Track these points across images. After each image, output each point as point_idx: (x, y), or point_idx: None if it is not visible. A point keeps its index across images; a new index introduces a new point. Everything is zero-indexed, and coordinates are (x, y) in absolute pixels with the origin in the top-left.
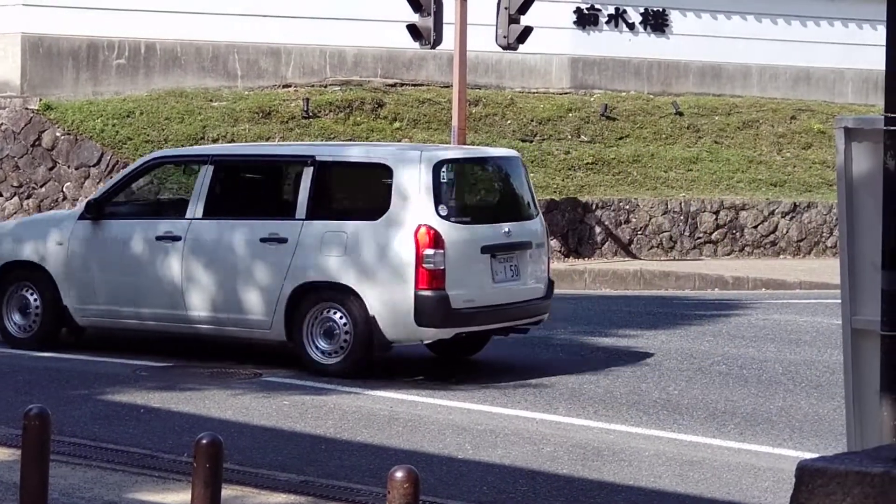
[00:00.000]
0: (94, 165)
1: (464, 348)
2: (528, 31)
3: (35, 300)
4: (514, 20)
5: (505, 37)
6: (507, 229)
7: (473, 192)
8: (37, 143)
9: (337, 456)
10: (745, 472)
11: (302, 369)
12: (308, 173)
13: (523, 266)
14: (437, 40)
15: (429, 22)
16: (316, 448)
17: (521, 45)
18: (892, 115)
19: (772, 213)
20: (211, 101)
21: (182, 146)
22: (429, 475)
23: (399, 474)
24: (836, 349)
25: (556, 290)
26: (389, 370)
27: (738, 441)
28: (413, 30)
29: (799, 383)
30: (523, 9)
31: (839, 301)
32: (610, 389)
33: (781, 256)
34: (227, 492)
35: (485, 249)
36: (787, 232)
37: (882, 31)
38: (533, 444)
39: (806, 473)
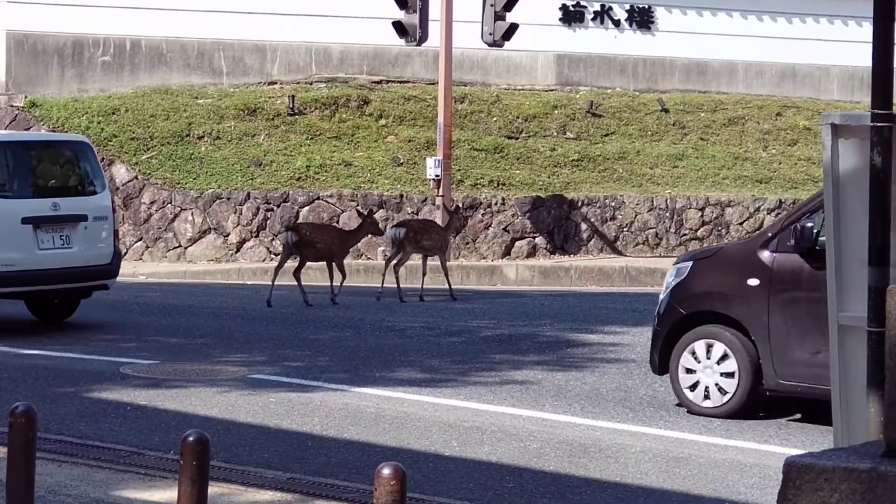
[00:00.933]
0: None
1: (57, 312)
2: (513, 27)
3: None
4: (499, 17)
5: (491, 34)
6: (54, 203)
7: (23, 171)
8: None
9: (323, 453)
10: (732, 468)
11: (288, 367)
12: None
13: (76, 236)
14: (423, 37)
15: (414, 19)
16: (302, 445)
17: (506, 42)
18: (879, 112)
19: (757, 209)
20: (196, 98)
21: (168, 143)
22: (415, 472)
23: (386, 471)
24: None
25: (543, 287)
26: (376, 368)
27: (724, 438)
28: (399, 27)
29: None
30: (509, 6)
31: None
32: (596, 386)
33: None
34: (213, 489)
35: (26, 220)
36: None
37: (868, 27)
38: (520, 440)
39: (794, 470)
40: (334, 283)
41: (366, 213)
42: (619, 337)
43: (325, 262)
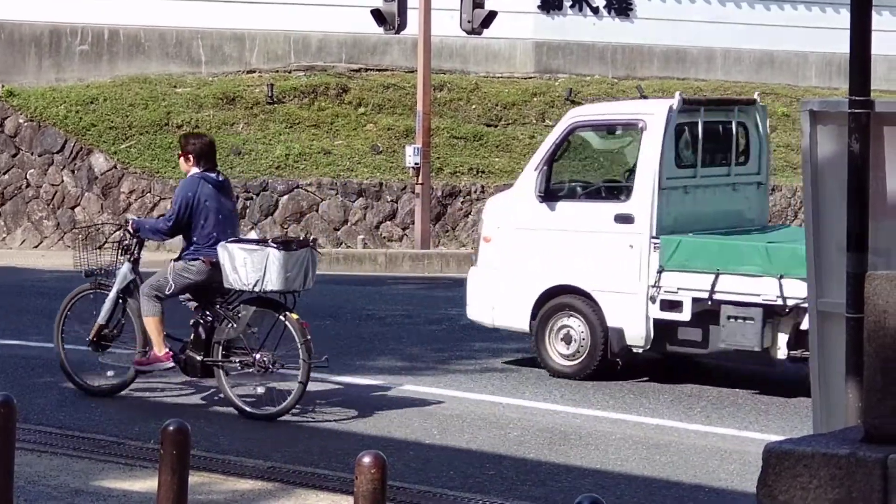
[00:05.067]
0: (57, 152)
1: None
2: (492, 15)
3: None
4: (478, 4)
5: (469, 21)
6: None
7: None
8: None
9: (304, 442)
10: (712, 454)
11: None
12: None
13: None
14: (402, 25)
15: (393, 7)
16: (283, 434)
17: (485, 30)
18: (857, 98)
19: None
20: (175, 87)
21: (146, 132)
22: (396, 460)
23: (366, 459)
24: None
25: None
26: (357, 356)
27: (704, 424)
28: (377, 15)
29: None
30: None
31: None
32: None
33: None
34: (193, 478)
35: None
36: None
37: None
38: (500, 428)
39: (773, 456)
40: None
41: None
42: None
43: None
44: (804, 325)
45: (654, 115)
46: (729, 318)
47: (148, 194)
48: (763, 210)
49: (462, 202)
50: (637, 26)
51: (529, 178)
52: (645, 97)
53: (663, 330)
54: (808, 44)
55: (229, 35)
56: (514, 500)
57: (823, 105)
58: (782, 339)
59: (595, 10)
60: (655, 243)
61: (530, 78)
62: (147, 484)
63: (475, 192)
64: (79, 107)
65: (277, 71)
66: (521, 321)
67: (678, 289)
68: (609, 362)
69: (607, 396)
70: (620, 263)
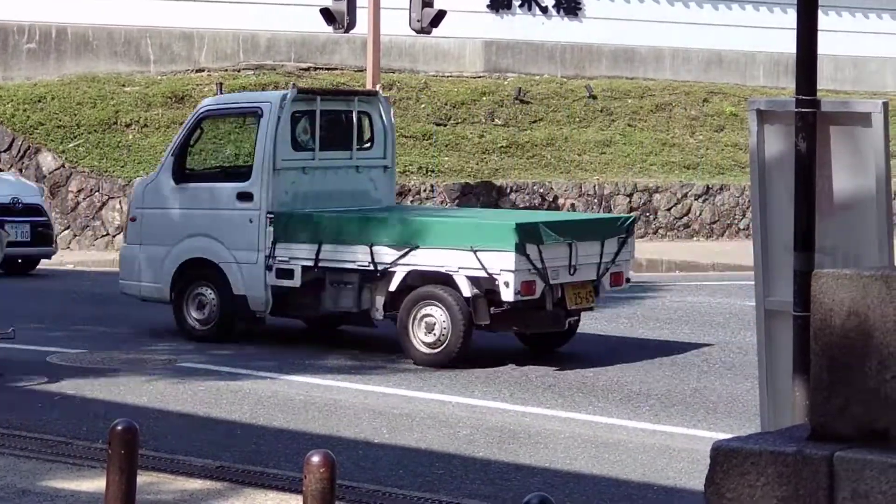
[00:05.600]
0: (5, 151)
1: None
2: (441, 14)
3: None
4: (427, 4)
5: (419, 20)
6: None
7: None
8: None
9: (253, 441)
10: (661, 453)
11: (217, 355)
12: None
13: None
14: (351, 24)
15: (342, 6)
16: (232, 433)
17: (434, 29)
18: (804, 98)
19: (685, 195)
20: (123, 86)
21: (95, 131)
22: (345, 459)
23: (315, 458)
24: (749, 331)
25: None
26: (305, 356)
27: (652, 423)
28: (327, 14)
29: (713, 365)
30: None
31: (752, 282)
32: (525, 373)
33: (695, 239)
34: (142, 478)
35: None
36: (700, 214)
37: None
38: (449, 427)
39: (721, 454)
40: None
41: None
42: None
43: None
44: (393, 288)
45: (269, 103)
46: (332, 283)
47: (97, 193)
48: (389, 191)
49: (412, 201)
50: (586, 26)
51: (167, 163)
52: (594, 97)
53: (280, 296)
54: (756, 44)
55: (178, 34)
56: (464, 499)
57: (770, 104)
58: (379, 301)
59: (544, 10)
60: (270, 218)
61: (480, 77)
62: (95, 484)
63: (425, 190)
64: (26, 105)
65: (226, 70)
66: (162, 293)
67: (290, 258)
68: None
69: (556, 395)
70: (243, 237)
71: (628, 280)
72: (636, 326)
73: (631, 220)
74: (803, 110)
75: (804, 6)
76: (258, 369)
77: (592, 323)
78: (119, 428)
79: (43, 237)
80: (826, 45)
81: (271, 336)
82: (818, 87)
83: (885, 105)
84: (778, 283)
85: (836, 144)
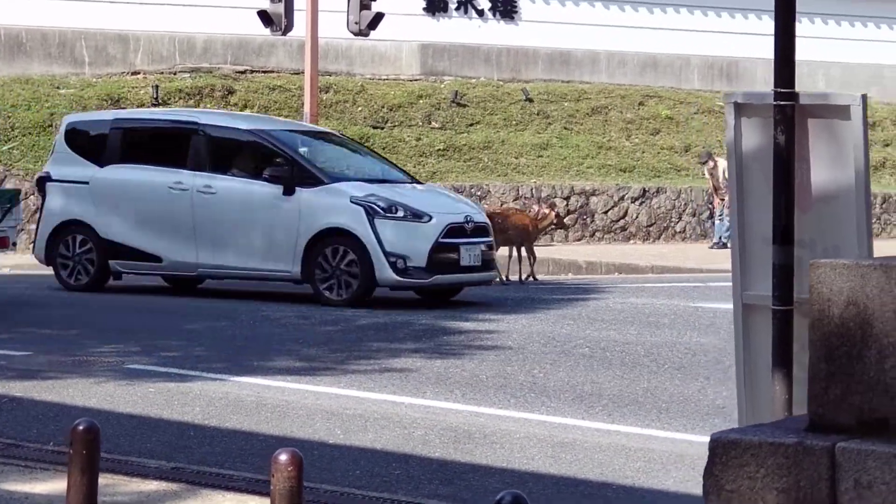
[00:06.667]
0: None
1: None
2: (379, 16)
3: None
4: (365, 6)
5: (356, 23)
6: None
7: None
8: None
9: (206, 443)
10: (617, 452)
11: (165, 357)
12: None
13: None
14: (289, 26)
15: (280, 8)
16: (184, 435)
17: (372, 32)
18: (782, 91)
19: (622, 198)
20: (58, 88)
21: (29, 134)
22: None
23: (283, 457)
24: (695, 331)
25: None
26: (255, 357)
27: (606, 423)
28: (264, 16)
29: (662, 365)
30: None
31: (692, 284)
32: (476, 373)
33: (632, 241)
34: (99, 480)
35: None
36: (636, 217)
37: (727, 18)
38: (403, 427)
39: (719, 446)
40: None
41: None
42: (494, 324)
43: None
44: None
45: None
46: None
47: (31, 196)
48: None
49: None
50: (522, 29)
51: None
52: (530, 100)
53: None
54: (691, 47)
55: (113, 36)
56: (423, 499)
57: (748, 97)
58: None
59: (480, 13)
60: None
61: (416, 80)
62: (49, 486)
63: None
64: None
65: (162, 72)
66: None
67: None
68: None
69: (508, 395)
70: None
71: (14, 244)
72: (582, 327)
73: (13, 193)
74: (782, 103)
75: (781, 3)
76: (207, 371)
77: (538, 324)
78: (80, 428)
79: None
80: (762, 48)
81: (218, 338)
82: (752, 90)
83: (864, 98)
84: (756, 277)
85: (815, 137)
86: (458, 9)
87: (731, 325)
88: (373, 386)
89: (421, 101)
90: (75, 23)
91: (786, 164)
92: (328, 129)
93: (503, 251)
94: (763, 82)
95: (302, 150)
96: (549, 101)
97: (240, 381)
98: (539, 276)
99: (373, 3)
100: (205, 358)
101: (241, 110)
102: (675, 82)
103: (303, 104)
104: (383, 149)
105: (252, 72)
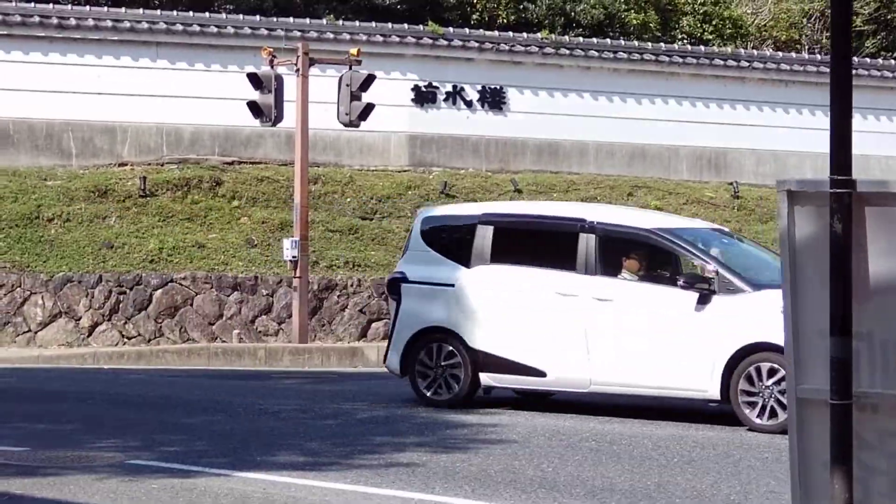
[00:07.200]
0: None
1: None
2: (370, 107)
3: None
4: (355, 97)
5: (347, 114)
6: None
7: None
8: None
9: None
10: None
11: (166, 452)
12: None
13: None
14: (279, 117)
15: (269, 99)
16: None
17: (362, 123)
18: (839, 178)
19: None
20: (45, 179)
21: (16, 226)
22: None
23: None
24: (700, 424)
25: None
26: (257, 452)
27: None
28: (254, 107)
29: (671, 459)
30: (365, 86)
31: None
32: (483, 467)
33: None
34: None
35: None
36: None
37: (715, 109)
38: None
39: None
40: None
41: None
42: (498, 417)
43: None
44: None
45: None
46: None
47: (18, 289)
48: None
49: (339, 296)
50: (510, 120)
51: None
52: (519, 191)
53: None
54: (679, 138)
55: (100, 127)
56: None
57: (802, 185)
58: None
59: (469, 104)
60: None
61: (405, 171)
62: None
63: (352, 285)
64: None
65: (150, 164)
66: None
67: None
68: None
69: (519, 491)
70: None
71: None
72: (586, 419)
73: None
74: (839, 191)
75: (837, 83)
76: (210, 466)
77: (541, 417)
78: None
79: None
80: (749, 139)
81: (218, 432)
82: (740, 180)
83: None
84: (811, 370)
85: (872, 226)
86: (446, 100)
87: (736, 417)
88: (380, 481)
89: (410, 192)
90: (62, 115)
91: (843, 253)
92: (719, 226)
93: None
94: (751, 173)
95: (713, 251)
96: (538, 192)
97: (244, 477)
98: None
99: (363, 94)
100: (205, 452)
101: (229, 202)
102: (663, 173)
103: (291, 195)
104: (373, 240)
105: (240, 163)
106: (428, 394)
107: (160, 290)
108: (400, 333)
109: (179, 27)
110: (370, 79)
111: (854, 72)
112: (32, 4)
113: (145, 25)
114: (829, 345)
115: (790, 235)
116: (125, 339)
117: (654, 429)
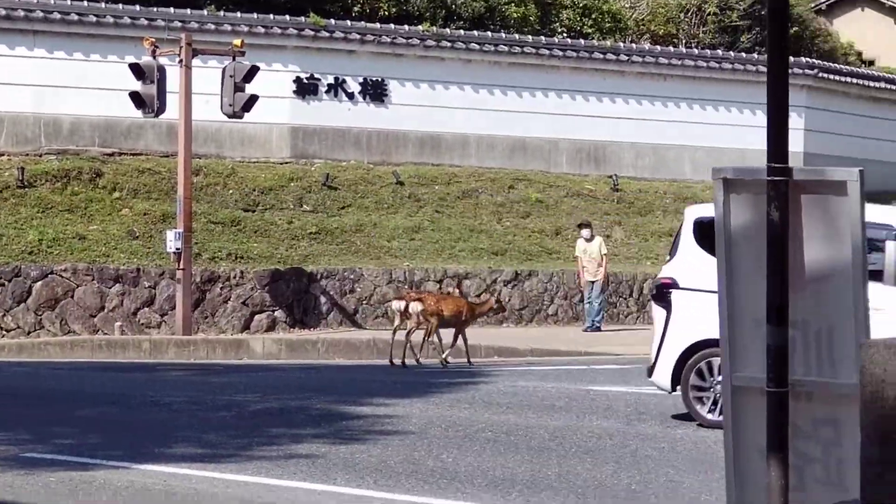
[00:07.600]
0: None
1: None
2: (253, 99)
3: None
4: (239, 88)
5: (231, 105)
6: None
7: None
8: None
9: None
10: None
11: (61, 444)
12: None
13: None
14: (161, 108)
15: (152, 89)
16: None
17: (246, 114)
18: (776, 166)
19: (494, 281)
20: None
21: None
22: None
23: None
24: (594, 414)
25: (292, 360)
26: (153, 444)
27: None
28: (136, 97)
29: (569, 449)
30: (248, 77)
31: (576, 367)
32: (383, 458)
33: (505, 325)
34: None
35: None
36: (509, 300)
37: (594, 102)
38: None
39: None
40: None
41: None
42: (391, 408)
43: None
44: None
45: None
46: None
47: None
48: None
49: (221, 288)
50: (392, 112)
51: None
52: (401, 183)
53: None
54: (559, 131)
55: None
56: None
57: (738, 173)
58: None
59: (350, 96)
60: None
61: (287, 163)
62: None
63: (234, 277)
64: None
65: (28, 154)
66: None
67: None
68: None
69: (420, 481)
70: None
71: None
72: (480, 411)
73: None
74: (776, 178)
75: (774, 80)
76: (107, 458)
77: (434, 408)
78: None
79: None
80: (629, 133)
81: (113, 424)
82: (619, 173)
83: (861, 173)
84: (747, 359)
85: (808, 214)
86: (328, 92)
87: (628, 407)
88: (281, 473)
89: (292, 184)
90: None
91: (780, 241)
92: None
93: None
94: (630, 166)
95: None
96: (420, 185)
97: (143, 469)
98: (421, 360)
99: (247, 85)
100: (101, 445)
101: (109, 193)
102: (544, 166)
103: (173, 187)
104: (255, 232)
105: (121, 154)
106: (709, 416)
107: (40, 282)
108: (671, 348)
109: (57, 15)
110: (254, 70)
111: (731, 66)
112: None
113: (21, 13)
114: (766, 333)
115: (725, 224)
116: (3, 332)
117: (549, 420)
